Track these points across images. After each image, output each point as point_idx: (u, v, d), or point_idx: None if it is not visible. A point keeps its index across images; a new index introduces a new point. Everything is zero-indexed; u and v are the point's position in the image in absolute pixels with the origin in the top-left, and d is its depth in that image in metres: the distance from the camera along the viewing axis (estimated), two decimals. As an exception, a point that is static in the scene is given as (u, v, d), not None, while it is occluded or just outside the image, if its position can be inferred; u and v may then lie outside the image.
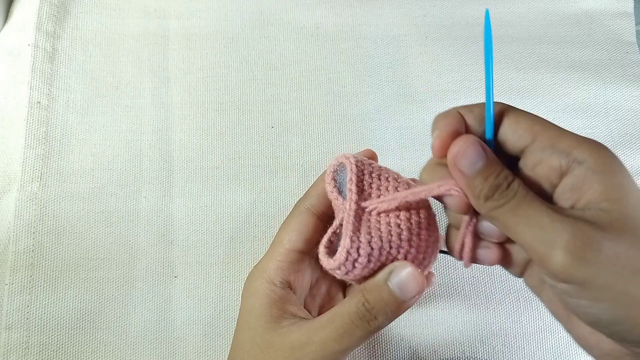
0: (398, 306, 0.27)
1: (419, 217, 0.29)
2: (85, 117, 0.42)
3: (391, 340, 0.39)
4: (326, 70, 0.45)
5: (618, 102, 0.45)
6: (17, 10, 0.44)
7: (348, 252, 0.27)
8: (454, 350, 0.39)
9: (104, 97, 0.43)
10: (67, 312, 0.38)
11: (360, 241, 0.27)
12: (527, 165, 0.25)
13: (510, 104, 0.26)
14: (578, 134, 0.24)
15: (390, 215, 0.28)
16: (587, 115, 0.45)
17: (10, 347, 0.36)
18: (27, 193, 0.39)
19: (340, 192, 0.30)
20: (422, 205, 0.29)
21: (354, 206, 0.28)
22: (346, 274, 0.27)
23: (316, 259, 0.28)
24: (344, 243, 0.27)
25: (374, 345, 0.39)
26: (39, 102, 0.41)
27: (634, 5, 0.48)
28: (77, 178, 0.41)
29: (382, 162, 0.43)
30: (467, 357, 0.39)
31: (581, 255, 0.21)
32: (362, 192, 0.29)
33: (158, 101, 0.43)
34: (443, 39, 0.47)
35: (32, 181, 0.40)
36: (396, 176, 0.30)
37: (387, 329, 0.39)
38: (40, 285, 0.38)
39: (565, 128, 0.46)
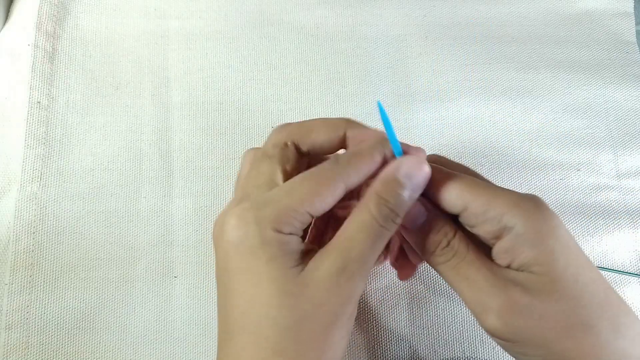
0: (413, 197, 0.25)
1: None
2: (85, 117, 0.42)
3: (391, 340, 0.39)
4: (326, 70, 0.45)
5: (618, 102, 0.45)
6: (17, 10, 0.44)
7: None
8: (454, 350, 0.39)
9: (104, 97, 0.43)
10: (67, 312, 0.38)
11: None
12: (465, 224, 0.26)
13: (443, 158, 0.28)
14: (513, 191, 0.25)
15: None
16: (587, 115, 0.45)
17: (10, 347, 0.36)
18: (27, 193, 0.39)
19: None
20: None
21: None
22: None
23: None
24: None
25: (374, 345, 0.39)
26: (39, 102, 0.41)
27: (634, 5, 0.48)
28: (77, 178, 0.41)
29: (382, 162, 0.43)
30: (467, 357, 0.39)
31: (511, 320, 0.23)
32: None
33: (158, 101, 0.43)
34: (443, 39, 0.47)
35: (32, 181, 0.40)
36: None
37: (387, 329, 0.39)
38: (40, 285, 0.38)
39: (565, 128, 0.46)
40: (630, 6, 0.48)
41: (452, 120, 0.44)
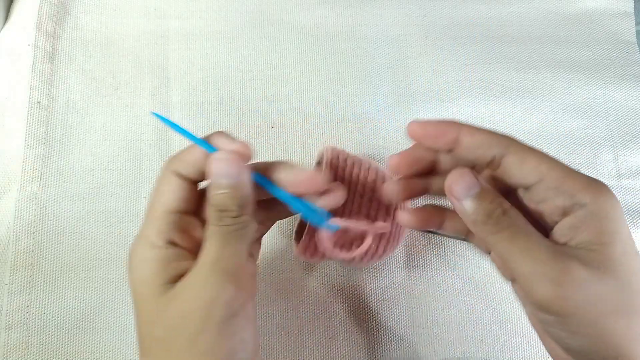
0: (234, 187, 0.26)
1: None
2: (85, 117, 0.42)
3: (391, 340, 0.39)
4: (326, 70, 0.45)
5: (618, 102, 0.45)
6: (17, 10, 0.44)
7: (305, 248, 0.32)
8: (454, 350, 0.39)
9: (104, 97, 0.43)
10: (67, 312, 0.38)
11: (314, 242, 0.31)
12: (532, 200, 0.26)
13: (514, 138, 0.26)
14: (583, 174, 0.25)
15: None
16: (587, 115, 0.45)
17: (10, 347, 0.36)
18: (27, 193, 0.39)
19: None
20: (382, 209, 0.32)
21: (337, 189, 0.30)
22: (308, 259, 0.33)
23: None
24: (303, 240, 0.31)
25: (374, 345, 0.39)
26: (39, 102, 0.41)
27: (634, 5, 0.48)
28: (77, 178, 0.41)
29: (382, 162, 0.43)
30: (467, 357, 0.39)
31: (568, 292, 0.23)
32: (334, 179, 0.32)
33: (158, 101, 0.43)
34: (443, 39, 0.47)
35: (32, 181, 0.40)
36: (367, 165, 0.33)
37: (387, 328, 0.39)
38: (40, 285, 0.38)
39: (565, 128, 0.46)
40: (630, 6, 0.48)
41: (452, 120, 0.44)
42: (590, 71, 0.46)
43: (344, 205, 0.31)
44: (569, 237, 0.25)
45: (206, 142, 0.27)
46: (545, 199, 0.26)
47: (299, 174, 0.28)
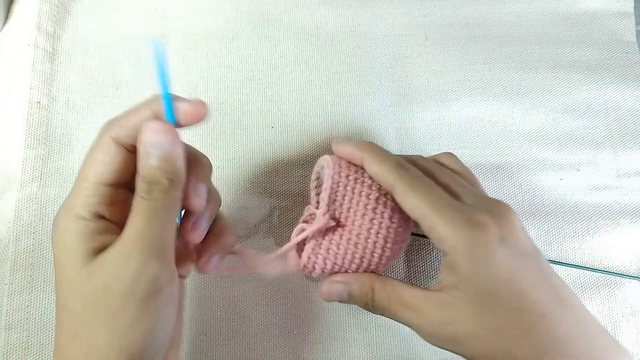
0: (166, 159, 0.25)
1: (377, 236, 0.31)
2: (85, 117, 0.42)
3: (391, 340, 0.39)
4: (326, 70, 0.45)
5: (618, 102, 0.45)
6: (17, 10, 0.44)
7: (308, 260, 0.32)
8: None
9: (104, 97, 0.43)
10: (67, 312, 0.38)
11: (319, 254, 0.31)
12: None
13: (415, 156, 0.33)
14: (462, 210, 0.28)
15: (345, 230, 0.31)
16: (587, 115, 0.45)
17: (10, 347, 0.36)
18: (27, 193, 0.39)
19: (318, 200, 0.33)
20: (387, 217, 0.31)
21: (322, 220, 0.31)
22: (310, 272, 0.32)
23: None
24: (305, 254, 0.32)
25: (374, 345, 0.39)
26: (39, 102, 0.41)
27: (634, 5, 0.48)
28: (77, 178, 0.41)
29: (382, 162, 0.43)
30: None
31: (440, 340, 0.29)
32: (333, 203, 0.32)
33: (158, 101, 0.43)
34: (443, 39, 0.47)
35: (32, 181, 0.40)
36: (369, 192, 0.32)
37: (387, 329, 0.39)
38: (40, 285, 0.38)
39: (565, 128, 0.46)
40: (630, 6, 0.48)
41: (452, 120, 0.44)
42: (590, 71, 0.46)
43: (341, 224, 0.31)
44: (442, 274, 0.29)
45: (169, 97, 0.26)
46: (427, 234, 0.29)
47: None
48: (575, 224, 0.42)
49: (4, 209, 0.39)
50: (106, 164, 0.26)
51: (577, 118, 0.45)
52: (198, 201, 0.28)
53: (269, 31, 0.46)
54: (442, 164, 0.34)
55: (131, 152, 0.26)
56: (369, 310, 0.31)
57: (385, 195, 0.31)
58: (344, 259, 0.31)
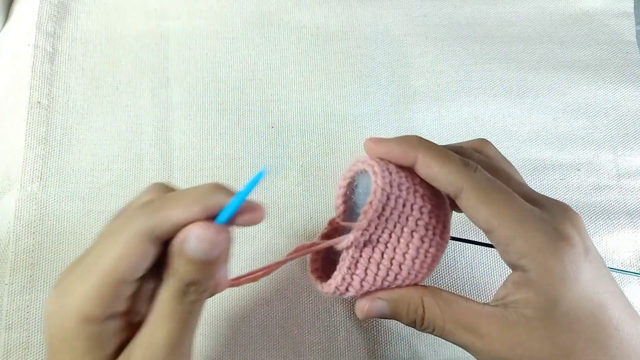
0: (210, 264, 0.22)
1: (418, 252, 0.27)
2: (85, 117, 0.42)
3: (391, 340, 0.39)
4: (326, 70, 0.45)
5: (618, 102, 0.45)
6: (17, 10, 0.44)
7: (342, 281, 0.27)
8: (454, 350, 0.39)
9: (104, 97, 0.43)
10: (67, 312, 0.38)
11: (355, 274, 0.27)
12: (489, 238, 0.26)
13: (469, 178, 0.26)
14: (543, 222, 0.25)
15: (387, 249, 0.27)
16: (587, 115, 0.45)
17: (10, 347, 0.36)
18: (27, 193, 0.39)
19: (345, 209, 0.28)
20: (429, 234, 0.27)
21: (360, 239, 0.26)
22: (340, 294, 0.28)
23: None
24: (341, 273, 0.27)
25: (374, 345, 0.39)
26: (39, 102, 0.41)
27: (634, 5, 0.48)
28: (77, 178, 0.41)
29: (382, 162, 0.43)
30: (467, 357, 0.39)
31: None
32: (377, 218, 0.26)
33: (158, 101, 0.43)
34: (443, 39, 0.47)
35: (32, 181, 0.40)
36: (422, 205, 0.27)
37: (387, 328, 0.39)
38: (40, 285, 0.38)
39: (565, 128, 0.46)
40: (630, 6, 0.48)
41: (452, 120, 0.44)
42: (590, 71, 0.46)
43: (383, 240, 0.27)
44: (510, 290, 0.25)
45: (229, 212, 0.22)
46: (496, 246, 0.26)
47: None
48: (575, 224, 0.42)
49: (4, 209, 0.39)
50: (134, 262, 0.21)
51: (577, 118, 0.45)
52: (224, 285, 0.25)
53: (269, 31, 0.46)
54: (488, 156, 0.29)
55: (162, 244, 0.23)
56: (415, 328, 0.28)
57: (439, 207, 0.27)
58: (384, 280, 0.27)
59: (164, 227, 0.22)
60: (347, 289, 0.27)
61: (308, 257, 0.30)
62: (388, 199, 0.26)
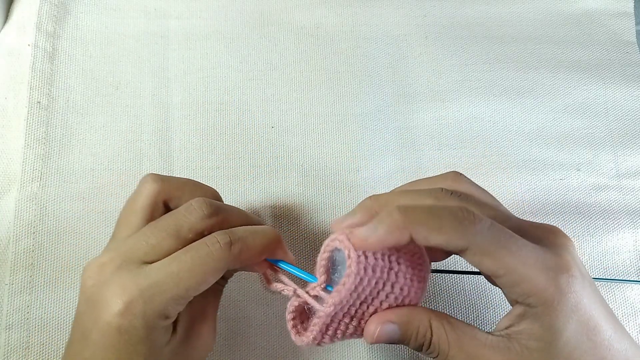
0: None
1: (402, 292, 0.28)
2: (85, 117, 0.42)
3: (391, 340, 0.39)
4: (326, 70, 0.45)
5: (618, 102, 0.45)
6: (17, 10, 0.44)
7: (314, 338, 0.28)
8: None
9: (104, 97, 0.43)
10: (67, 312, 0.38)
11: (327, 335, 0.28)
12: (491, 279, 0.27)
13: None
14: (546, 259, 0.26)
15: (357, 314, 0.28)
16: (587, 115, 0.45)
17: (10, 347, 0.36)
18: (27, 193, 0.39)
19: (327, 277, 0.29)
20: (407, 282, 0.28)
21: (332, 312, 0.27)
22: (316, 345, 0.28)
23: None
24: (313, 334, 0.27)
25: (374, 345, 0.39)
26: (39, 102, 0.41)
27: (634, 5, 0.48)
28: (77, 178, 0.41)
29: (382, 162, 0.43)
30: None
31: None
32: (350, 295, 0.27)
33: (158, 101, 0.43)
34: (443, 39, 0.47)
35: (32, 181, 0.40)
36: (389, 290, 0.27)
37: (387, 329, 0.39)
38: (40, 285, 0.38)
39: (565, 128, 0.46)
40: (630, 6, 0.48)
41: (452, 120, 0.44)
42: (590, 71, 0.46)
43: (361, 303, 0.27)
44: (514, 321, 0.26)
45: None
46: (501, 286, 0.27)
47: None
48: (575, 224, 0.42)
49: (4, 209, 0.39)
50: (207, 285, 0.28)
51: (577, 118, 0.45)
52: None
53: (269, 31, 0.46)
54: (467, 194, 0.29)
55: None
56: (420, 352, 0.28)
57: (417, 267, 0.28)
58: (353, 334, 0.28)
59: (240, 267, 0.30)
60: (322, 341, 0.28)
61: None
62: (361, 280, 0.26)
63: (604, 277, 0.41)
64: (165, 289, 0.26)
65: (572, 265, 0.26)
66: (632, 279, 0.41)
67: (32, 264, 0.38)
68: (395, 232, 0.25)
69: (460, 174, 0.30)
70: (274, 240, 0.30)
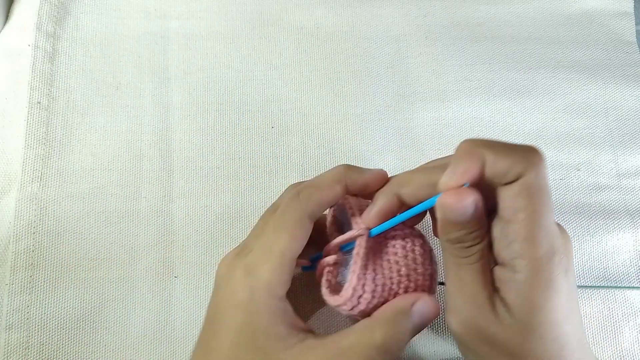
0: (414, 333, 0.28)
1: (414, 253, 0.29)
2: (85, 117, 0.42)
3: (391, 340, 0.39)
4: (326, 70, 0.45)
5: (618, 102, 0.45)
6: (17, 10, 0.44)
7: (354, 289, 0.27)
8: (454, 351, 0.39)
9: (104, 97, 0.43)
10: (67, 312, 0.38)
11: (365, 278, 0.28)
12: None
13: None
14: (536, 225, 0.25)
15: (388, 251, 0.29)
16: (587, 115, 0.45)
17: (10, 347, 0.36)
18: (27, 193, 0.39)
19: (340, 229, 0.31)
20: (417, 242, 0.30)
21: (364, 244, 0.28)
22: (351, 309, 0.28)
23: None
24: (352, 280, 0.28)
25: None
26: (39, 102, 0.41)
27: (634, 5, 0.48)
28: (77, 178, 0.41)
29: (382, 162, 0.43)
30: (467, 357, 0.39)
31: (467, 337, 0.26)
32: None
33: (158, 101, 0.43)
34: (443, 39, 0.47)
35: (32, 181, 0.40)
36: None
37: (387, 329, 0.39)
38: (40, 285, 0.38)
39: (565, 128, 0.46)
40: (630, 6, 0.48)
41: (452, 120, 0.44)
42: (590, 71, 0.46)
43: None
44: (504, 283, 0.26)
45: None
46: (498, 236, 0.26)
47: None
48: (575, 224, 0.42)
49: (4, 209, 0.39)
50: (301, 241, 0.28)
51: (577, 118, 0.45)
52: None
53: (269, 31, 0.46)
54: None
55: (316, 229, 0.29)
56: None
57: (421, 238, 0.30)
58: (391, 277, 0.29)
59: (318, 209, 0.28)
60: (359, 299, 0.28)
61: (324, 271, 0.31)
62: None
63: (601, 285, 0.41)
64: (265, 259, 0.27)
65: (562, 256, 0.26)
66: (628, 285, 0.41)
67: (32, 264, 0.38)
68: (467, 161, 0.24)
69: None
70: (341, 177, 0.29)
